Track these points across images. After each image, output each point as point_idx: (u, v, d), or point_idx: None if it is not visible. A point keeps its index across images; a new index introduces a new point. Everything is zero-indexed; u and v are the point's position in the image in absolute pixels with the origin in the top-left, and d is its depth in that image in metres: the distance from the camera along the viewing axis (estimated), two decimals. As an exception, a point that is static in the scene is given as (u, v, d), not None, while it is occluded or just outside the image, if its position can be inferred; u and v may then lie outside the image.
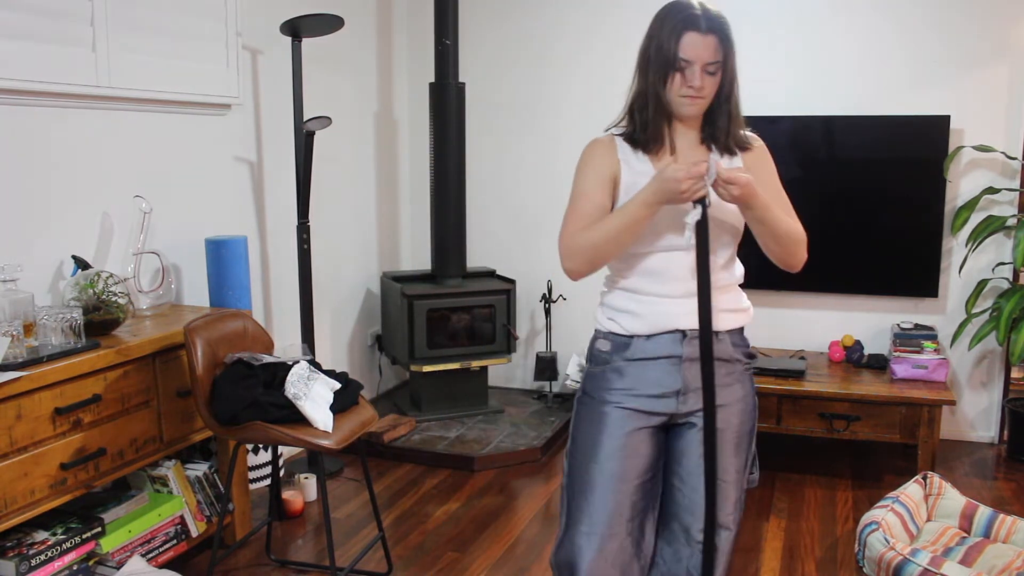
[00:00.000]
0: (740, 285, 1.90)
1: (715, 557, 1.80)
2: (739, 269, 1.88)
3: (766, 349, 3.99)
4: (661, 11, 1.71)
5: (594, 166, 1.79)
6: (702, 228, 1.66)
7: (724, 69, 1.69)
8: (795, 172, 3.84)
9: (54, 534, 2.25)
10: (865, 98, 3.82)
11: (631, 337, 1.78)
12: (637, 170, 1.76)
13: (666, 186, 1.62)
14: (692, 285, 1.72)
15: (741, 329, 1.86)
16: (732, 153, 1.80)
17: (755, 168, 1.79)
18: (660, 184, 1.63)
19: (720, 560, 1.81)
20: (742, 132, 1.81)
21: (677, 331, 1.75)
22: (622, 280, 1.81)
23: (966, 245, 3.70)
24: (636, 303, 1.78)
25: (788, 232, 1.76)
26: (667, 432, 1.84)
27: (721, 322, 1.78)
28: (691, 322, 1.73)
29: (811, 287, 3.96)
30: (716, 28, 1.66)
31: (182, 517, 2.64)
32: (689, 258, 1.72)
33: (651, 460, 1.80)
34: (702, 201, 1.64)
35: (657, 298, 1.76)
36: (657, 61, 1.70)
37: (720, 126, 1.77)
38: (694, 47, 1.65)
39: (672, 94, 1.71)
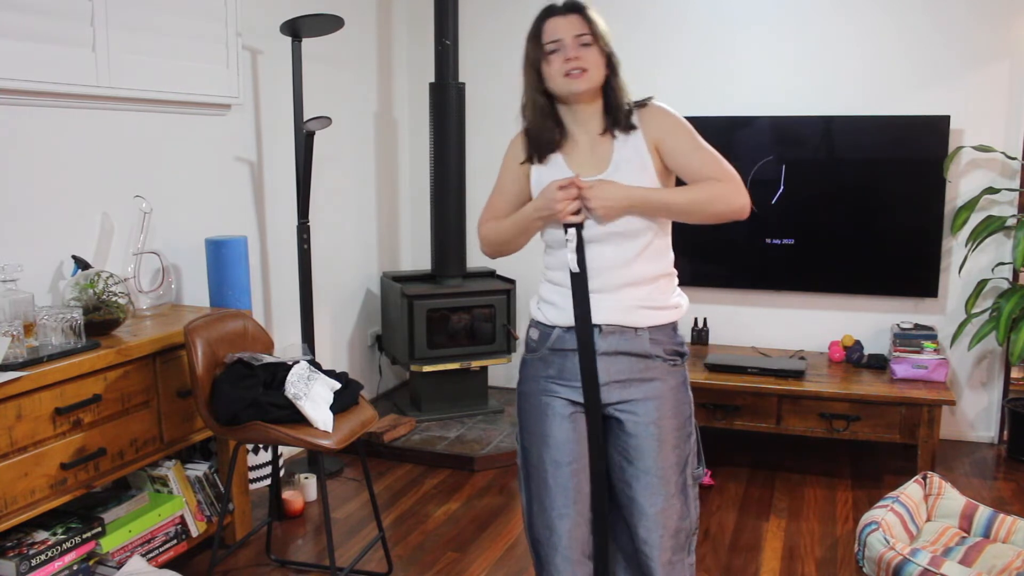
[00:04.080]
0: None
1: (606, 545, 1.87)
2: (662, 263, 1.85)
3: (766, 349, 3.99)
4: (527, 37, 1.81)
5: (510, 161, 1.91)
6: (579, 249, 1.77)
7: (598, 43, 1.75)
8: (795, 172, 3.84)
9: (54, 534, 2.25)
10: (865, 98, 3.82)
11: (552, 327, 1.85)
12: (553, 172, 1.84)
13: (544, 204, 1.76)
14: (601, 280, 1.77)
15: (668, 326, 1.84)
16: (631, 129, 1.80)
17: (660, 133, 1.79)
18: (541, 201, 1.78)
19: (661, 558, 1.81)
20: (628, 106, 1.81)
21: (592, 325, 1.79)
22: (549, 272, 1.89)
23: (966, 245, 3.70)
24: (558, 295, 1.84)
25: (693, 201, 1.75)
26: (603, 424, 1.87)
27: (638, 318, 1.79)
28: (605, 317, 1.78)
29: (811, 287, 3.96)
30: (575, 7, 1.78)
31: (182, 517, 2.64)
32: (595, 252, 1.78)
33: (587, 445, 1.85)
34: (577, 226, 1.75)
35: (571, 291, 1.80)
36: (531, 57, 1.79)
37: (617, 108, 1.80)
38: (557, 28, 1.75)
39: (557, 79, 1.76)
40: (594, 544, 1.87)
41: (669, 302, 1.84)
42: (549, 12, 1.77)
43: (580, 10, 1.76)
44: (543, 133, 1.82)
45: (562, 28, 1.74)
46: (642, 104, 1.83)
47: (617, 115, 1.79)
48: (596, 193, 1.72)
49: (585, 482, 1.85)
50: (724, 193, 1.75)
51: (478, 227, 1.96)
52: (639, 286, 1.79)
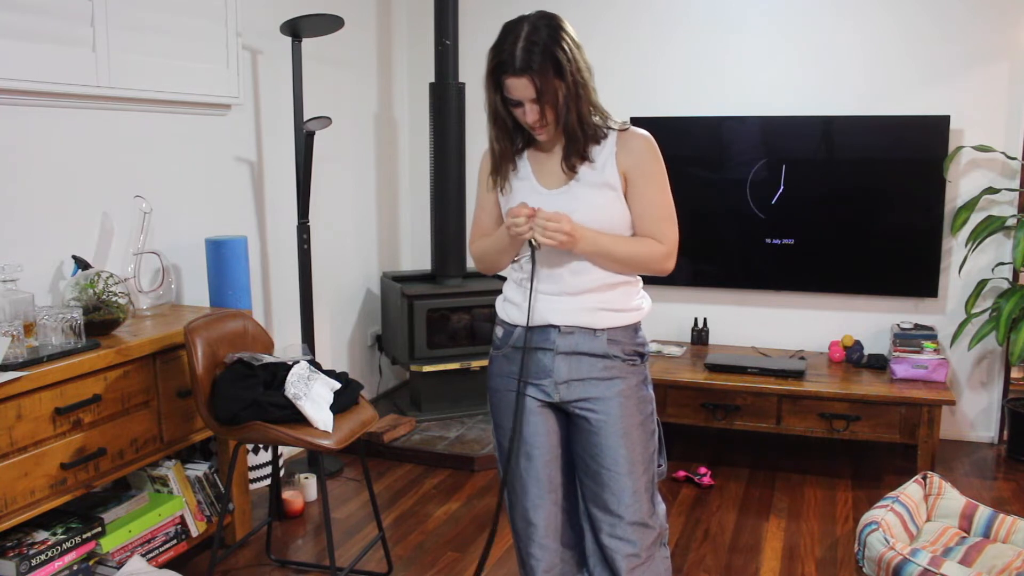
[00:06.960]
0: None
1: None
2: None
3: (766, 349, 3.99)
4: (487, 57, 1.77)
5: (484, 175, 1.96)
6: (532, 264, 1.85)
7: (552, 98, 1.72)
8: (795, 172, 3.84)
9: (54, 534, 2.25)
10: (865, 98, 3.82)
11: (515, 326, 1.91)
12: (520, 175, 1.89)
13: (503, 230, 1.83)
14: (563, 284, 1.84)
15: (629, 327, 1.88)
16: (588, 161, 1.80)
17: (631, 165, 1.80)
18: (504, 224, 1.83)
19: (622, 553, 1.85)
20: (598, 131, 1.81)
21: (551, 326, 1.85)
22: (514, 273, 1.95)
23: (966, 245, 3.70)
24: (520, 295, 1.90)
25: (633, 256, 1.81)
26: (569, 421, 1.93)
27: (597, 320, 1.84)
28: (563, 319, 1.84)
29: (811, 287, 3.96)
30: (524, 67, 1.69)
31: (182, 517, 2.64)
32: (556, 258, 1.84)
33: (557, 438, 1.93)
34: (531, 243, 1.81)
35: (537, 293, 1.87)
36: (494, 111, 1.82)
37: (575, 147, 1.80)
38: (515, 88, 1.73)
39: (523, 123, 1.80)
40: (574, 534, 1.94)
41: (630, 305, 1.88)
42: (503, 70, 1.72)
43: (527, 69, 1.69)
44: (503, 162, 1.88)
45: (518, 90, 1.72)
46: (622, 128, 1.83)
47: (572, 151, 1.80)
48: (543, 227, 1.74)
49: (558, 473, 1.93)
50: (660, 257, 1.83)
51: (469, 246, 2.02)
52: (599, 292, 1.85)
